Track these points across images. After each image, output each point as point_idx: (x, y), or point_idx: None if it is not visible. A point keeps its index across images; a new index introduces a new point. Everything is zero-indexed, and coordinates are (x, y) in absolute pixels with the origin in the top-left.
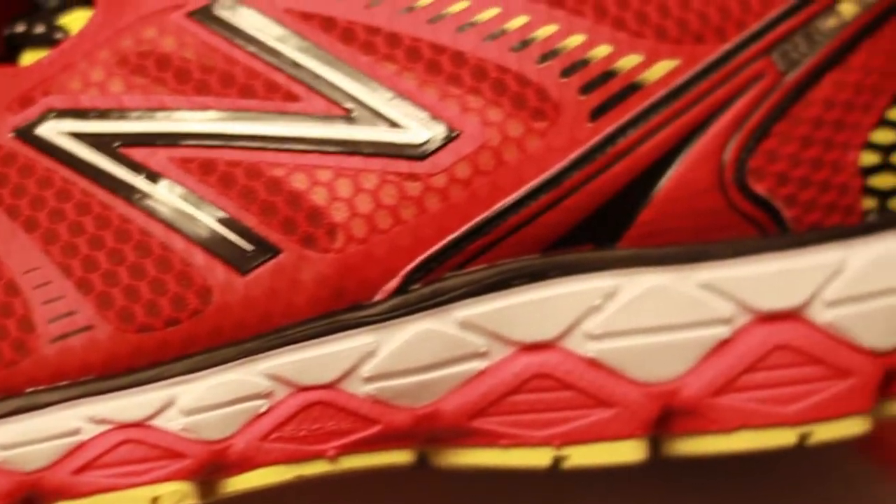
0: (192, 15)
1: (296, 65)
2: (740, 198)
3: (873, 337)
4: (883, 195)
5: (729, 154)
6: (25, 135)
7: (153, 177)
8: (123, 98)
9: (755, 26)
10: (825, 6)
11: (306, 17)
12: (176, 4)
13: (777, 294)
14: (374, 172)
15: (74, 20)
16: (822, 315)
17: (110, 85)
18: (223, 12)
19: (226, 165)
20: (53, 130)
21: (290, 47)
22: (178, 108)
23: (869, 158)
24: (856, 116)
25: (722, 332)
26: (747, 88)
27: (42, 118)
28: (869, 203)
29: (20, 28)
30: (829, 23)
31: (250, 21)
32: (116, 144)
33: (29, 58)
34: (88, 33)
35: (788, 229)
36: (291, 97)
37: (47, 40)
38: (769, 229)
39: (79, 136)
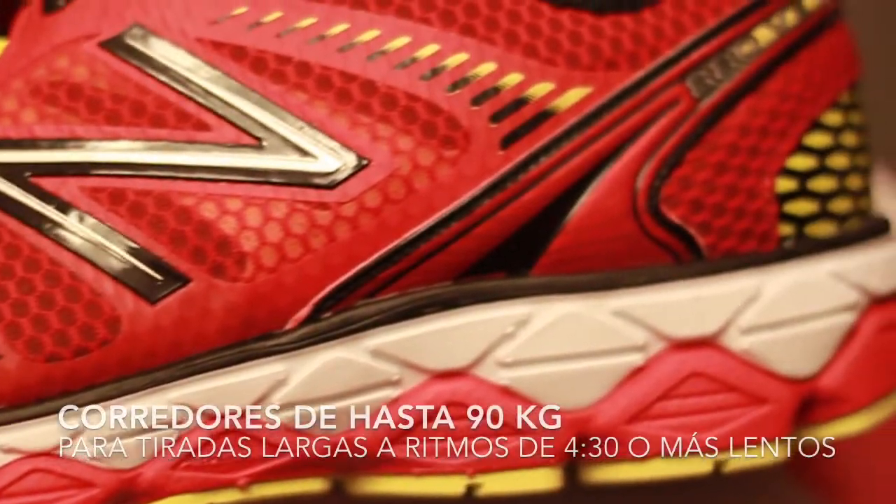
0: (104, 45)
1: (207, 94)
2: (654, 225)
3: (789, 364)
4: (800, 221)
5: (642, 181)
6: None
7: (63, 207)
8: (35, 128)
9: (669, 53)
10: (741, 32)
11: (217, 46)
12: (88, 34)
13: (691, 321)
14: (284, 201)
15: None
16: (737, 342)
17: (23, 115)
18: (135, 42)
19: (136, 195)
20: None
21: (201, 77)
22: (89, 138)
23: (785, 185)
24: (771, 142)
25: (635, 359)
26: (661, 115)
27: None
28: (786, 229)
29: None
30: (745, 49)
31: (162, 51)
32: (27, 174)
33: None
34: (2, 63)
35: (703, 256)
36: (202, 126)
37: None
38: (684, 256)
39: None
